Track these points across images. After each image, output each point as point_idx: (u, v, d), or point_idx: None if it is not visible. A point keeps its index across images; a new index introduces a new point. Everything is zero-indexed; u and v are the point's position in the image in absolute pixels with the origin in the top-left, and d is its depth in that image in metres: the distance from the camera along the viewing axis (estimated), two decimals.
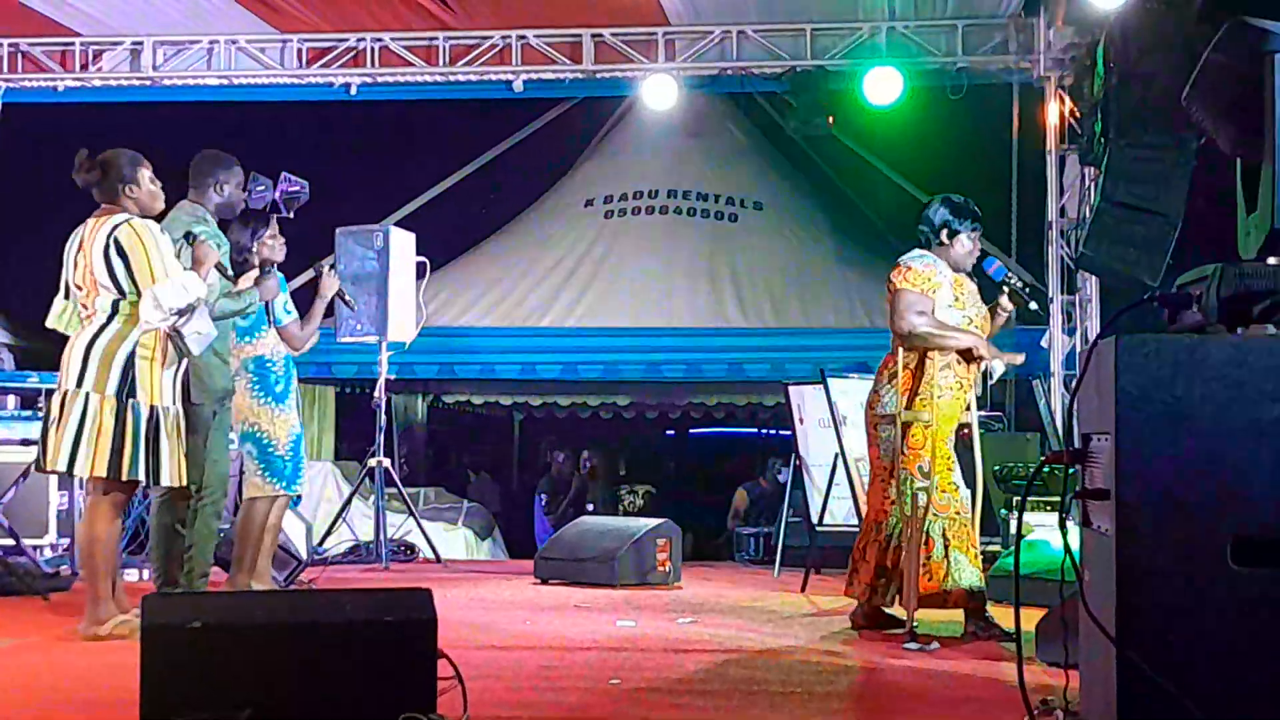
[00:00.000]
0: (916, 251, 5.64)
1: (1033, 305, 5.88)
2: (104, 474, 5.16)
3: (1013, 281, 5.77)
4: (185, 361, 5.44)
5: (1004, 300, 5.78)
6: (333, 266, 7.07)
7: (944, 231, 5.63)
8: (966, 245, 5.66)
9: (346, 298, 7.54)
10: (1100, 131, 8.25)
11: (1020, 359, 5.64)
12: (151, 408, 5.21)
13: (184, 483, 5.42)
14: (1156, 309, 3.30)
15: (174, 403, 5.35)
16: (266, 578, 6.59)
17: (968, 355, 5.50)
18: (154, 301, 5.13)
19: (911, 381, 5.49)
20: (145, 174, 5.39)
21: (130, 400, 5.15)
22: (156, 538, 5.95)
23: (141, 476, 5.18)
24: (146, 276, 5.15)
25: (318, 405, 13.36)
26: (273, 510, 6.58)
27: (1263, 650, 2.86)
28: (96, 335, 5.20)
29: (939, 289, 5.52)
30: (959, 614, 5.59)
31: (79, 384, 5.15)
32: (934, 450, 5.44)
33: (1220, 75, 3.23)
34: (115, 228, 5.20)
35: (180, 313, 5.19)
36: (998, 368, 5.54)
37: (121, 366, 5.16)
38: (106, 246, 5.19)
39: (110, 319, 5.21)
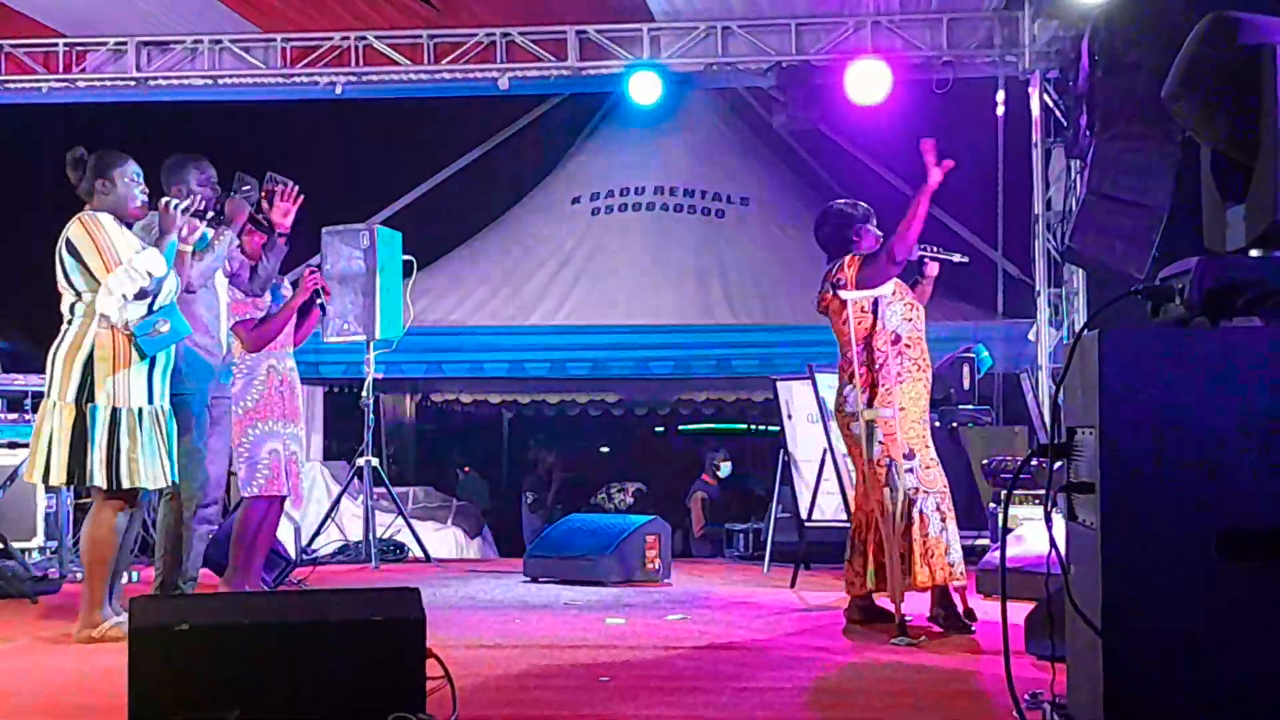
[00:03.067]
0: (858, 251, 5.78)
1: (956, 257, 6.06)
2: (63, 481, 5.18)
3: (927, 250, 5.92)
4: (171, 357, 5.40)
5: (926, 269, 5.96)
6: (318, 268, 7.01)
7: (849, 232, 5.83)
8: (875, 234, 5.86)
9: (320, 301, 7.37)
10: (1086, 124, 8.25)
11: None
12: (113, 410, 5.12)
13: (155, 485, 5.28)
14: (1141, 302, 3.29)
15: (150, 402, 5.24)
16: (256, 579, 6.59)
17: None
18: (106, 290, 5.10)
19: (870, 376, 5.56)
20: (123, 172, 5.30)
21: (89, 404, 5.10)
22: (161, 540, 5.93)
23: (99, 481, 5.10)
24: (101, 268, 5.11)
25: (305, 405, 13.31)
26: (269, 512, 6.58)
27: (1248, 642, 2.87)
28: (60, 341, 5.19)
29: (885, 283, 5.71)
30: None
31: (49, 394, 5.17)
32: (909, 431, 5.54)
33: (1204, 69, 3.21)
34: (68, 227, 5.19)
35: (140, 296, 5.13)
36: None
37: (80, 370, 5.11)
38: (60, 247, 5.18)
39: (71, 322, 5.19)
